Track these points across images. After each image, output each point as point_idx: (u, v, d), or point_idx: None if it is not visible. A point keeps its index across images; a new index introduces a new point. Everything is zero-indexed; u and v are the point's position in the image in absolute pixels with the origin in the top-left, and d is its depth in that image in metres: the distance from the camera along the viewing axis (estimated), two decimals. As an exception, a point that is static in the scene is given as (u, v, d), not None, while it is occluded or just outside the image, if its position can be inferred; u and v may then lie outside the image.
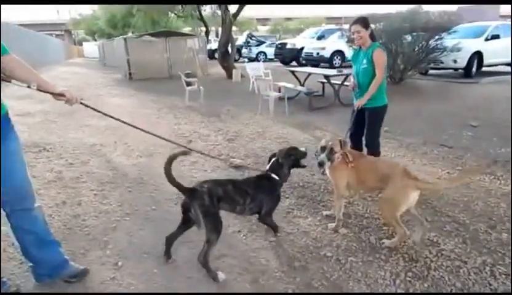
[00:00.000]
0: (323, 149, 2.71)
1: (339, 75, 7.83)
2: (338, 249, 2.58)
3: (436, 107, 7.48)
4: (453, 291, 2.14)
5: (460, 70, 10.95)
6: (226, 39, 13.86)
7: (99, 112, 2.29)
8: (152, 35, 15.81)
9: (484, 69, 11.25)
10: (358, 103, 3.53)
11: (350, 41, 10.56)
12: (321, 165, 2.68)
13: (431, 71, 11.89)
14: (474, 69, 10.80)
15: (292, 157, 2.60)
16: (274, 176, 2.52)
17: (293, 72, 9.39)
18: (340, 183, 2.75)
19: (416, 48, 9.22)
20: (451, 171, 4.08)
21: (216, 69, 15.35)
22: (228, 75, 14.00)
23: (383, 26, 9.43)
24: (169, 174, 2.10)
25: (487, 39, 10.92)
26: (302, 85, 9.19)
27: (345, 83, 3.54)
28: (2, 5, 9.55)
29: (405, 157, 4.66)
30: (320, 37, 17.08)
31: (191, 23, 24.97)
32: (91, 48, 39.94)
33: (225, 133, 5.81)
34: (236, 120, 6.84)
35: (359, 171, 2.71)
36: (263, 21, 51.26)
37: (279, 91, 8.28)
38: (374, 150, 3.64)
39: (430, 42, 9.20)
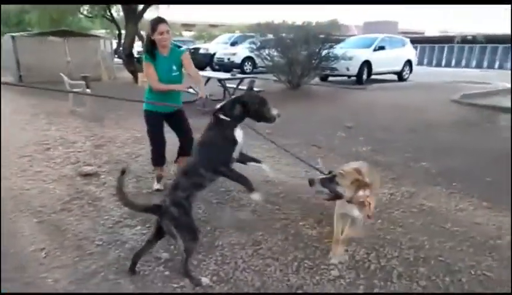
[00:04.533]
0: (329, 172, 2.27)
1: (232, 78, 7.87)
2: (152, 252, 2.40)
3: (322, 111, 7.91)
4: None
5: (353, 78, 11.87)
6: (131, 41, 13.21)
7: None
8: (48, 34, 14.37)
9: (373, 77, 12.38)
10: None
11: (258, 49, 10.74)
12: (310, 183, 2.22)
13: (330, 78, 12.71)
14: (364, 77, 11.79)
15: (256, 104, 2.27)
16: (223, 116, 2.23)
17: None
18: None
19: (310, 56, 9.74)
20: (309, 170, 4.22)
21: (127, 73, 14.55)
22: (135, 79, 13.32)
23: (278, 34, 9.80)
24: (125, 199, 2.07)
25: (374, 50, 12.02)
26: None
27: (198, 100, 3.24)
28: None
29: (274, 158, 4.74)
30: (233, 43, 17.24)
31: (102, 24, 23.45)
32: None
33: (97, 139, 5.35)
34: (119, 125, 6.39)
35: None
36: (188, 26, 50.56)
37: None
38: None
39: (322, 51, 9.78)
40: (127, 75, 14.20)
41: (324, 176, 2.21)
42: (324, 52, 9.84)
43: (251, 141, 5.43)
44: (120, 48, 20.62)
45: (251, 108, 2.25)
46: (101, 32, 26.00)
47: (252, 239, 2.62)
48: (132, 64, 13.38)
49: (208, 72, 10.54)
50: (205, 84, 9.15)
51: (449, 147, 5.23)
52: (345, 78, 12.30)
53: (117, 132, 5.86)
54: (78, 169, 3.94)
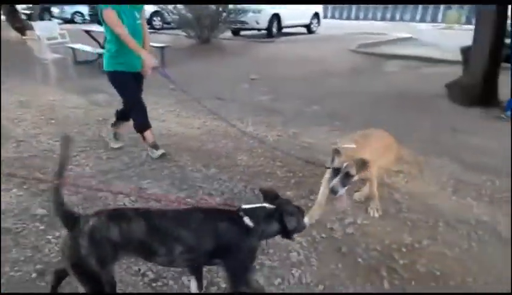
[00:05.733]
0: (336, 171, 2.13)
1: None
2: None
3: (229, 65, 7.98)
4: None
5: (264, 31, 12.01)
6: (12, -7, 11.42)
7: None
8: None
9: (285, 30, 12.67)
10: (153, 65, 2.99)
11: None
12: (334, 192, 2.11)
13: (242, 32, 12.68)
14: (274, 30, 12.00)
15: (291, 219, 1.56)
16: (247, 220, 1.49)
17: (88, 32, 8.41)
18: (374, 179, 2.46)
19: (217, 10, 9.55)
20: (206, 120, 4.35)
21: (14, 32, 12.66)
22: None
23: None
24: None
25: (283, 2, 12.19)
26: (103, 47, 8.37)
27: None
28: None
29: (174, 111, 4.76)
30: (139, -3, 15.95)
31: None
32: None
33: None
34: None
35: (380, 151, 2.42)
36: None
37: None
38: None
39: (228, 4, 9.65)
40: (14, 34, 12.42)
41: (340, 177, 2.09)
42: (231, 6, 9.72)
43: (153, 97, 5.36)
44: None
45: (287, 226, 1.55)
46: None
47: (138, 188, 2.71)
48: (17, 20, 11.67)
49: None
50: (105, 40, 8.52)
51: (339, 92, 5.77)
52: (256, 32, 12.40)
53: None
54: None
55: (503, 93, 4.83)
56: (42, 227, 2.21)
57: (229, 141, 3.68)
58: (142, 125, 3.21)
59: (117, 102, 5.06)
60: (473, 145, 3.68)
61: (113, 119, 3.41)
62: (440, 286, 1.89)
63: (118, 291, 1.74)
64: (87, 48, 7.76)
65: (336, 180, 2.10)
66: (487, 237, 2.29)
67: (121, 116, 3.34)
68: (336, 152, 2.16)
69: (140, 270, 1.89)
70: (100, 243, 1.30)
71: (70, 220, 1.34)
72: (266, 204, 1.58)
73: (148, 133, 3.24)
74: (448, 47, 8.66)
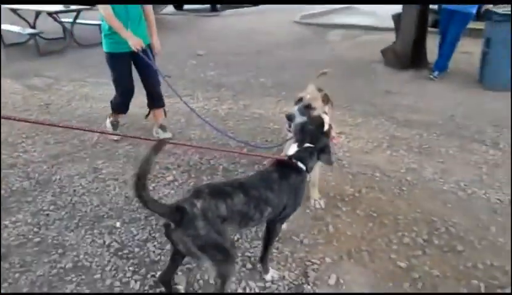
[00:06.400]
0: (298, 101, 2.13)
1: (67, 11, 6.91)
2: None
3: (175, 41, 7.79)
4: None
5: (208, 5, 11.74)
6: None
7: None
8: None
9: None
10: (157, 48, 3.11)
11: None
12: (289, 118, 2.04)
13: (186, 6, 12.29)
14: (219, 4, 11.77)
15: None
16: (300, 165, 1.63)
17: (15, 11, 7.69)
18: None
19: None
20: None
21: None
22: None
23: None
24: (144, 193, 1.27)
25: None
26: (33, 27, 7.74)
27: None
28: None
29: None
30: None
31: None
32: None
33: None
34: None
35: None
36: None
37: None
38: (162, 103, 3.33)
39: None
40: None
41: (300, 106, 2.09)
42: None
43: (103, 78, 5.18)
44: None
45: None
46: None
47: (93, 168, 2.72)
48: None
49: (37, 6, 8.85)
50: (35, 20, 7.85)
51: (285, 63, 5.96)
52: (201, 6, 12.08)
53: None
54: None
55: (431, 56, 5.32)
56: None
57: (182, 117, 3.74)
58: (120, 108, 3.23)
59: (58, 86, 4.93)
60: (405, 105, 4.10)
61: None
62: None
63: (86, 264, 1.84)
64: (16, 29, 7.13)
65: (295, 108, 2.08)
66: (415, 181, 2.65)
67: (151, 104, 3.32)
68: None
69: (104, 242, 1.98)
70: (213, 220, 1.37)
71: (177, 212, 1.32)
72: (307, 145, 1.66)
73: (118, 115, 3.28)
74: (383, 15, 9.15)
